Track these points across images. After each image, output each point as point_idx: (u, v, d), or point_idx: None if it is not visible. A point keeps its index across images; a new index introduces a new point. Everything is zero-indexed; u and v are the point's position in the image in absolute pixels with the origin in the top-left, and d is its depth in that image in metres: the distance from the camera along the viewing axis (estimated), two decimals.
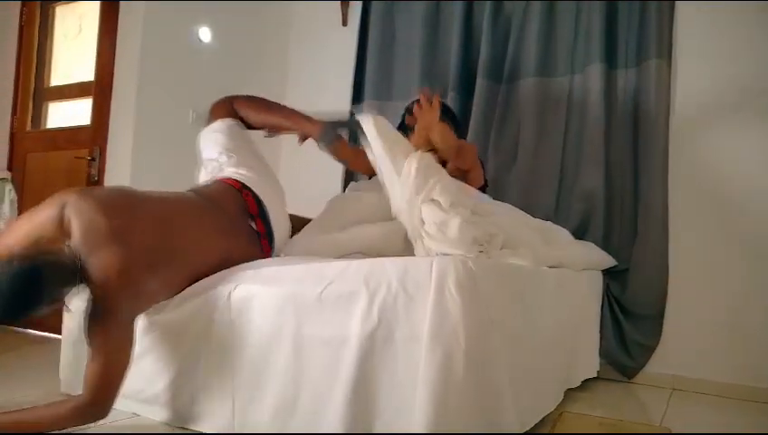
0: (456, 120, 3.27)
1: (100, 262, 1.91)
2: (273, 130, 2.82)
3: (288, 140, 4.62)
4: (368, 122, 2.46)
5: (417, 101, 2.81)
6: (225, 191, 2.44)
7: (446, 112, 3.08)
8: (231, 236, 2.34)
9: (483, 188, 3.12)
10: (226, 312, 2.07)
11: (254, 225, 2.43)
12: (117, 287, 1.93)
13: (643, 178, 3.33)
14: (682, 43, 3.38)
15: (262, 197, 2.49)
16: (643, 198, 3.32)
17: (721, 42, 3.29)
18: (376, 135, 2.42)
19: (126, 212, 2.05)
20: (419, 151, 2.41)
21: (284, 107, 2.84)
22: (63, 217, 1.97)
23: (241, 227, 2.40)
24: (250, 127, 2.79)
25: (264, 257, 2.39)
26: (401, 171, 2.34)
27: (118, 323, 1.96)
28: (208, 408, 2.07)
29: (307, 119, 2.70)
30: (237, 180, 2.49)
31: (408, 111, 3.03)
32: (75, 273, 1.89)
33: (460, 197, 2.36)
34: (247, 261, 2.26)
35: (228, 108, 2.79)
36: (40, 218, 2.00)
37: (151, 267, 2.03)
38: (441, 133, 2.77)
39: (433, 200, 2.28)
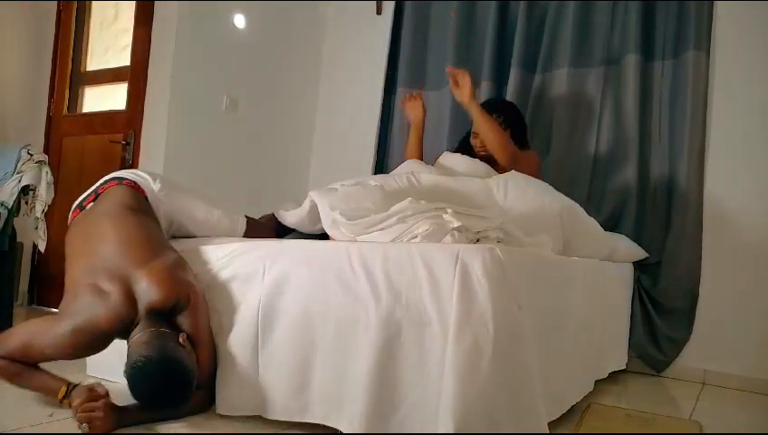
0: (517, 124, 3.32)
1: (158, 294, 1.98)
2: None
3: (318, 138, 4.66)
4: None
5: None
6: None
7: (510, 117, 3.27)
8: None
9: None
10: (258, 291, 2.09)
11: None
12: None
13: (679, 170, 3.30)
14: (721, 34, 3.32)
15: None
16: (678, 190, 3.28)
17: (761, 34, 3.23)
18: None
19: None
20: None
21: None
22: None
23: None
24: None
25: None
26: None
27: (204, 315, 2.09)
28: (234, 390, 2.09)
29: None
30: None
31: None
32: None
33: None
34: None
35: None
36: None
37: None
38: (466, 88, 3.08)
39: None
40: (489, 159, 3.25)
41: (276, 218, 2.87)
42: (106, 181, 2.42)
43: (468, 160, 3.18)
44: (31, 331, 2.01)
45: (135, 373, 1.79)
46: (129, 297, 1.96)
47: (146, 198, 2.39)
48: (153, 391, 1.82)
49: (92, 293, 1.97)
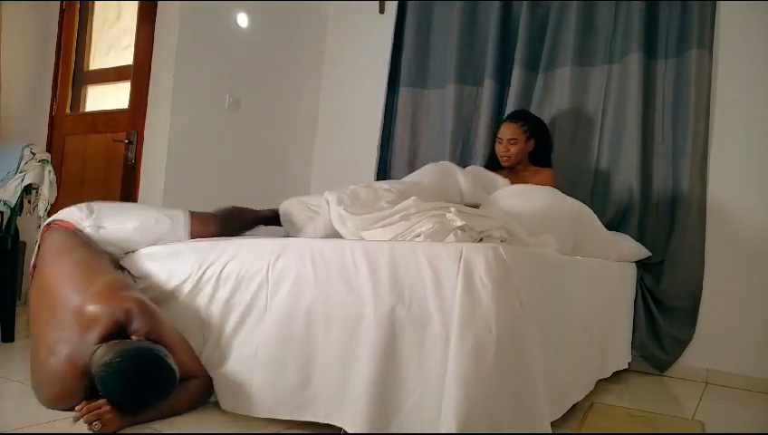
0: (542, 138, 3.40)
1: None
2: None
3: (320, 137, 4.66)
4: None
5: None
6: None
7: (536, 128, 3.35)
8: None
9: None
10: (262, 288, 2.10)
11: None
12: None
13: (682, 169, 3.29)
14: (724, 33, 3.31)
15: None
16: (681, 190, 3.28)
17: (764, 33, 3.22)
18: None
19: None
20: None
21: None
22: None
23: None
24: None
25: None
26: None
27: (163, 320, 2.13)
28: (236, 387, 2.10)
29: None
30: None
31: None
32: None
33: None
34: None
35: None
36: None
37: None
38: None
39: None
40: (513, 167, 3.35)
41: (245, 212, 2.90)
42: (42, 229, 2.51)
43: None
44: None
45: (105, 378, 1.81)
46: (75, 353, 1.98)
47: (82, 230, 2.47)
48: (134, 383, 1.82)
49: (50, 355, 2.02)
